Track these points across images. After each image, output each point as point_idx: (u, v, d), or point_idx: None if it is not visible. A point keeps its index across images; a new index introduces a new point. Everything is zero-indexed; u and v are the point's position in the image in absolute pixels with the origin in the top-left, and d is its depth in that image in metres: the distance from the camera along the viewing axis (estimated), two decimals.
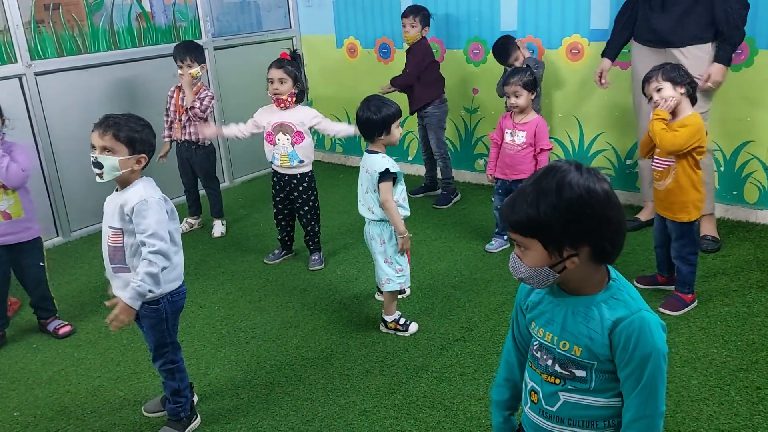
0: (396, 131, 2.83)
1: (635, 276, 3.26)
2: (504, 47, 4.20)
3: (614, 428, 1.38)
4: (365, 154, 2.88)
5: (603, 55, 3.85)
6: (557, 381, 1.40)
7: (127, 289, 2.20)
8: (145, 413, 2.54)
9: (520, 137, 3.55)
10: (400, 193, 2.84)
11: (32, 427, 2.51)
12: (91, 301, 3.46)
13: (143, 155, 2.20)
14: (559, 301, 1.39)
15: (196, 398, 2.56)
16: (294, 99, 3.50)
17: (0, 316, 3.12)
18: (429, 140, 4.52)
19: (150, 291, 2.13)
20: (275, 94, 3.47)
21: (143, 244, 2.13)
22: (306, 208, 3.64)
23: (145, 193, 2.17)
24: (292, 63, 3.50)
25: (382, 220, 2.85)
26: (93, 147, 2.17)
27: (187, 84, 3.98)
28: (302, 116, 3.51)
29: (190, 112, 4.02)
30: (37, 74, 4.08)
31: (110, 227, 2.22)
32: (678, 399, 2.41)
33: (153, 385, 2.68)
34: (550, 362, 1.40)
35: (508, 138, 3.60)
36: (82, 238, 4.38)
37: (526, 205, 1.28)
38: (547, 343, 1.40)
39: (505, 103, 4.32)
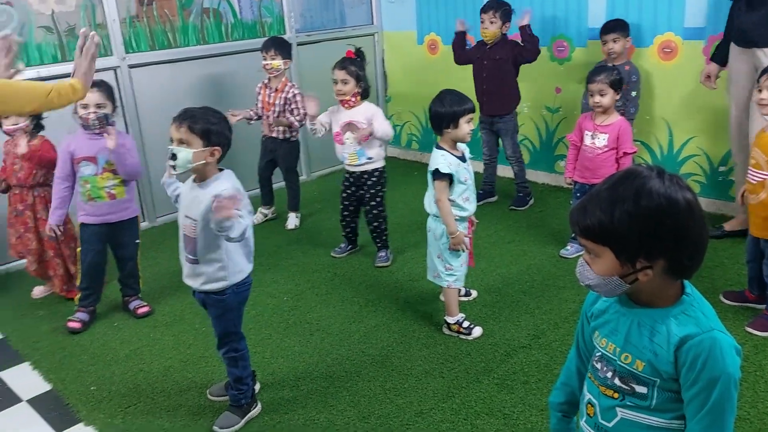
0: (465, 126, 2.79)
1: (722, 291, 3.08)
2: (624, 22, 4.01)
3: None
4: (433, 149, 2.86)
5: (712, 59, 3.67)
6: (615, 395, 1.34)
7: (195, 277, 2.30)
8: (209, 397, 2.63)
9: (602, 140, 3.42)
10: (460, 193, 2.80)
11: (106, 402, 2.65)
12: (169, 285, 3.61)
13: (217, 147, 2.25)
14: (626, 311, 1.33)
15: (258, 386, 2.62)
16: (358, 98, 3.53)
17: (95, 291, 3.30)
18: (504, 146, 4.42)
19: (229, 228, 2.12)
20: (339, 94, 3.52)
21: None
22: (373, 203, 3.65)
23: (230, 185, 2.23)
24: (355, 62, 3.52)
25: (437, 216, 2.83)
26: (171, 140, 2.26)
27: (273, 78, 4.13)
28: (368, 114, 3.52)
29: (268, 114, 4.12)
30: (130, 67, 4.30)
31: (187, 217, 2.30)
32: (760, 427, 2.26)
33: (219, 370, 2.77)
34: (609, 374, 1.34)
35: (588, 140, 3.47)
36: (166, 224, 4.57)
37: (599, 211, 1.21)
38: (608, 354, 1.34)
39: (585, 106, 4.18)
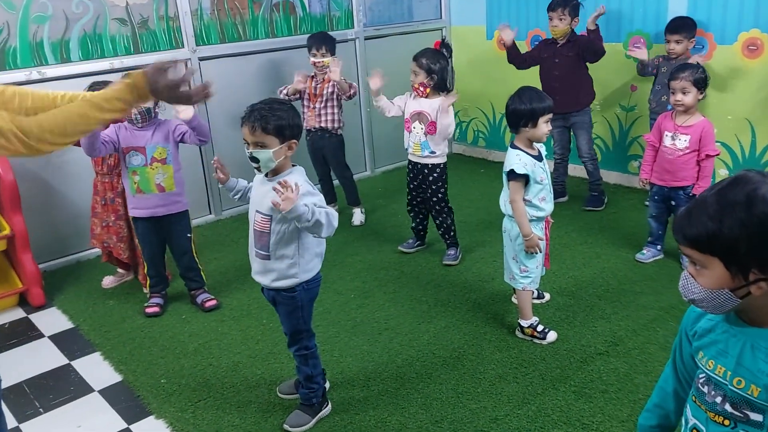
0: (544, 126, 2.70)
1: None
2: (690, 21, 3.91)
3: None
4: (509, 148, 2.77)
5: None
6: (726, 422, 1.24)
7: (265, 274, 2.29)
8: (279, 394, 2.60)
9: (683, 141, 3.25)
10: (536, 193, 2.71)
11: (176, 395, 2.65)
12: (236, 279, 3.62)
13: (293, 140, 2.22)
14: (736, 331, 1.22)
15: (327, 385, 2.58)
16: (427, 90, 3.46)
17: (161, 280, 3.36)
18: (578, 143, 4.28)
19: (305, 216, 2.08)
20: (412, 84, 3.50)
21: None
22: (435, 199, 3.59)
23: (305, 181, 2.21)
24: (431, 54, 3.44)
25: (512, 217, 2.75)
26: (246, 142, 2.21)
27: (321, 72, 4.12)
28: (436, 105, 3.45)
29: (337, 86, 4.06)
30: (200, 59, 4.33)
31: (258, 212, 2.27)
32: None
33: (288, 367, 2.74)
34: (719, 400, 1.25)
35: (668, 141, 3.30)
36: (232, 217, 4.60)
37: (706, 218, 1.13)
38: (717, 378, 1.24)
39: (652, 103, 4.00)
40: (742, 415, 1.21)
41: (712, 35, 4.03)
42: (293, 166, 2.29)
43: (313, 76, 4.19)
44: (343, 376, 2.70)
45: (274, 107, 2.21)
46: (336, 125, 4.21)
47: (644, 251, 3.54)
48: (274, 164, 2.20)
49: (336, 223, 2.19)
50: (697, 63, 3.49)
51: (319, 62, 4.09)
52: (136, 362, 2.90)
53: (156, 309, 3.29)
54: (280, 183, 2.05)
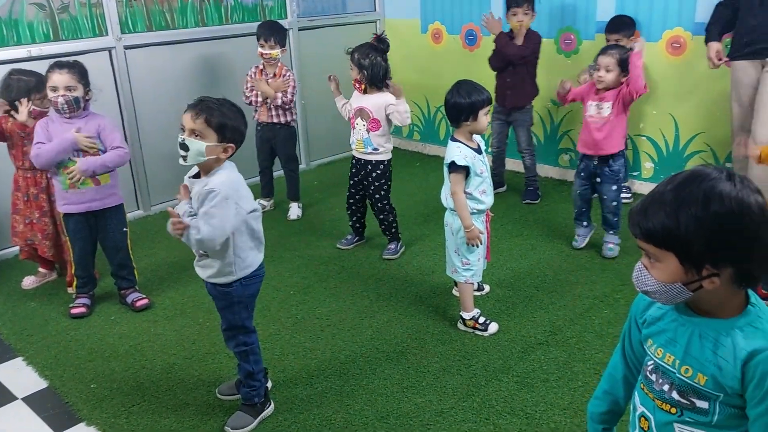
0: (483, 119, 2.72)
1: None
2: (630, 20, 4.00)
3: None
4: (449, 141, 2.77)
5: (710, 40, 3.60)
6: (673, 410, 1.26)
7: (204, 268, 2.23)
8: (219, 395, 2.51)
9: (606, 108, 3.32)
10: (477, 185, 2.72)
11: (108, 401, 2.52)
12: (168, 277, 3.47)
13: (231, 144, 2.14)
14: (685, 320, 1.24)
15: (270, 384, 2.51)
16: (362, 86, 3.43)
17: (89, 280, 3.20)
18: (518, 137, 4.34)
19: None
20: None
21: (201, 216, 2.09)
22: (377, 196, 3.56)
23: (220, 182, 2.10)
24: (363, 50, 3.40)
25: (454, 210, 2.76)
26: (182, 128, 2.12)
27: (268, 65, 4.04)
28: (381, 103, 3.42)
29: (269, 102, 4.02)
30: (126, 48, 4.13)
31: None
32: None
33: (228, 367, 2.65)
34: (666, 387, 1.27)
35: (592, 110, 3.38)
36: (162, 212, 4.42)
37: (663, 214, 1.13)
38: (665, 366, 1.26)
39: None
40: (688, 403, 1.23)
41: (638, 33, 4.16)
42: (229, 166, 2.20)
43: (262, 69, 4.08)
44: (285, 375, 2.63)
45: (225, 105, 2.15)
46: (289, 118, 4.14)
47: (576, 238, 3.63)
48: (202, 159, 2.11)
49: (213, 235, 2.07)
50: (632, 47, 3.57)
51: (267, 54, 3.98)
52: (63, 367, 2.74)
53: (82, 310, 3.13)
54: (172, 218, 2.07)
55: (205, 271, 2.24)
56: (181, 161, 2.14)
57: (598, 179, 3.44)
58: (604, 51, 3.33)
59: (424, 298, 3.18)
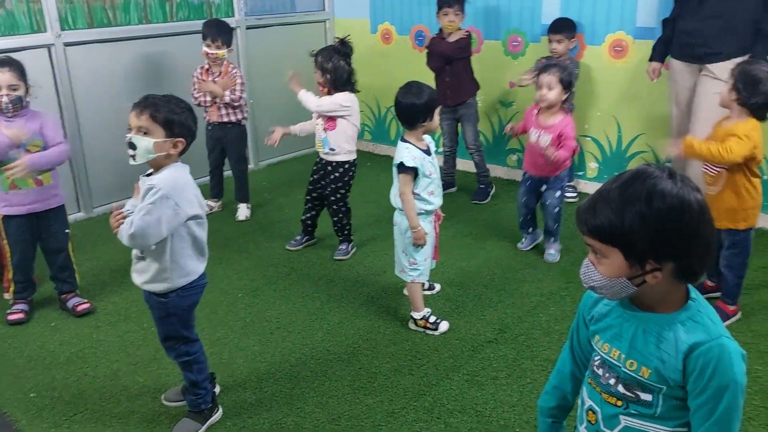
0: (437, 118, 2.75)
1: None
2: (571, 23, 4.11)
3: None
4: (399, 142, 2.77)
5: (651, 59, 3.77)
6: (619, 403, 1.30)
7: (140, 274, 2.17)
8: (164, 402, 2.45)
9: (546, 141, 3.41)
10: (425, 186, 2.73)
11: (49, 410, 2.43)
12: (111, 281, 3.38)
13: (180, 139, 2.09)
14: (629, 315, 1.28)
15: (217, 389, 2.46)
16: (325, 89, 3.42)
17: (28, 285, 3.09)
18: (465, 134, 4.39)
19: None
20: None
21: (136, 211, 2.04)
22: (333, 198, 3.54)
23: (161, 179, 2.05)
24: (325, 53, 3.39)
25: (402, 210, 2.77)
26: (129, 128, 2.06)
27: (214, 64, 3.99)
28: (333, 101, 3.40)
29: (218, 101, 3.97)
30: (66, 45, 3.99)
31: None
32: None
33: (174, 373, 2.59)
34: (612, 381, 1.30)
35: (533, 138, 3.46)
36: (105, 214, 4.29)
37: (609, 211, 1.17)
38: (611, 360, 1.30)
39: None
40: (633, 396, 1.27)
41: (582, 36, 4.26)
42: (176, 162, 2.14)
43: (208, 69, 4.02)
44: (233, 379, 2.59)
45: (172, 101, 2.10)
46: (239, 116, 4.09)
47: (523, 240, 3.69)
48: (152, 156, 2.05)
49: (146, 231, 2.02)
50: (565, 65, 3.67)
51: (212, 54, 3.92)
52: (0, 376, 2.63)
53: (20, 316, 3.01)
54: (114, 211, 2.05)
55: (140, 276, 2.17)
56: (130, 161, 2.08)
57: (544, 186, 3.51)
58: (545, 69, 3.37)
59: (376, 299, 3.17)
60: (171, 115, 2.06)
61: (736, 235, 2.77)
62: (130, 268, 2.23)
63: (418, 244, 2.77)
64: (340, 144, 3.45)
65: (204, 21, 4.07)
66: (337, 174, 3.50)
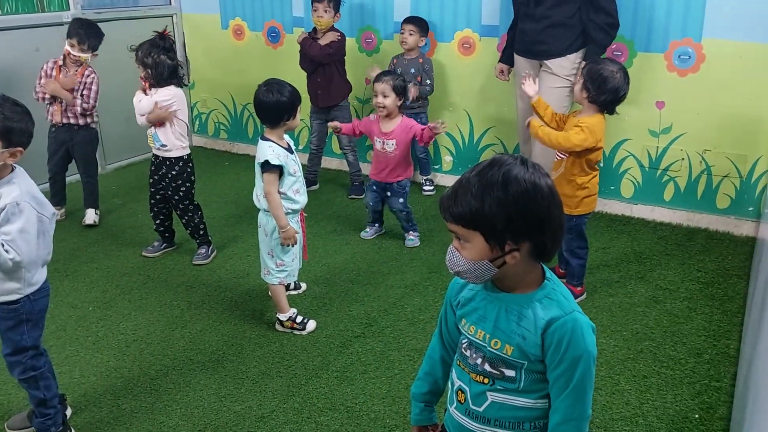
0: (298, 116, 2.74)
1: None
2: (423, 21, 4.22)
3: (540, 430, 1.36)
4: (259, 140, 2.72)
5: (500, 61, 4.01)
6: (486, 380, 1.37)
7: None
8: (9, 431, 2.23)
9: (391, 145, 3.53)
10: (290, 185, 2.71)
11: None
12: None
13: (20, 148, 1.93)
14: (492, 297, 1.36)
15: (69, 411, 2.30)
16: (146, 85, 3.26)
17: None
18: (339, 137, 4.39)
19: None
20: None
21: (2, 245, 1.89)
22: (176, 197, 3.40)
23: (19, 193, 1.91)
24: (145, 48, 3.22)
25: (267, 211, 2.73)
26: None
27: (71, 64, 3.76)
28: (159, 99, 3.26)
29: (65, 104, 3.72)
30: None
31: None
32: None
33: (18, 398, 2.37)
34: (479, 361, 1.37)
35: (378, 146, 3.58)
36: None
37: (470, 197, 1.24)
38: (477, 341, 1.37)
39: None
40: (498, 373, 1.34)
41: (432, 33, 4.41)
42: (13, 170, 1.97)
43: (61, 66, 3.73)
44: (87, 398, 2.42)
45: (6, 105, 1.92)
46: (89, 119, 3.82)
47: (367, 229, 3.82)
48: None
49: (10, 267, 1.92)
50: (400, 72, 3.77)
51: (75, 56, 3.69)
52: None
53: None
54: None
55: None
56: None
57: (388, 193, 3.64)
58: (377, 78, 3.50)
59: (240, 303, 3.09)
60: (9, 123, 1.89)
61: (570, 220, 2.98)
62: None
63: (288, 244, 2.73)
64: (171, 140, 3.31)
65: (73, 18, 3.83)
66: (174, 171, 3.35)
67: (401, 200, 3.62)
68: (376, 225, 3.82)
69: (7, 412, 2.32)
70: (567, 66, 3.57)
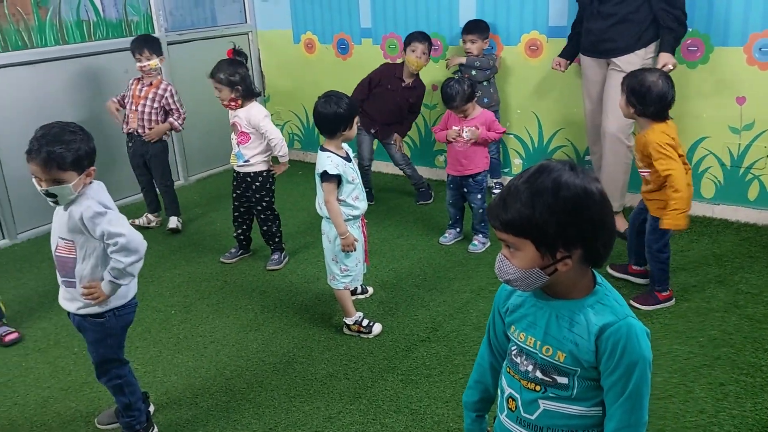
0: (355, 126, 2.82)
1: (609, 263, 3.28)
2: (483, 24, 4.26)
3: None
4: (318, 151, 2.82)
5: (560, 56, 4.00)
6: (537, 388, 1.35)
7: (72, 301, 2.14)
8: (98, 426, 2.42)
9: (468, 132, 3.52)
10: (349, 192, 2.79)
11: None
12: (39, 307, 3.30)
13: (92, 167, 2.09)
14: (542, 304, 1.34)
15: (152, 408, 2.45)
16: (238, 103, 3.41)
17: None
18: (391, 157, 4.47)
19: (117, 288, 2.11)
20: (221, 100, 3.45)
21: (108, 246, 2.05)
22: (259, 207, 3.56)
23: (92, 202, 2.05)
24: (226, 67, 3.37)
25: (329, 218, 2.81)
26: (36, 176, 2.02)
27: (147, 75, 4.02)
28: (250, 116, 3.41)
29: (143, 115, 3.98)
30: None
31: (60, 238, 2.11)
32: None
33: (106, 396, 2.55)
34: (530, 368, 1.36)
35: (454, 135, 3.57)
36: (30, 240, 4.18)
37: (520, 204, 1.23)
38: (528, 348, 1.35)
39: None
40: (550, 380, 1.33)
41: (499, 37, 4.40)
42: (90, 183, 2.13)
43: (139, 78, 4.02)
44: (168, 397, 2.58)
45: (65, 135, 2.01)
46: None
47: (446, 234, 3.82)
48: (74, 196, 2.04)
49: (136, 259, 2.08)
50: (466, 79, 3.71)
51: (145, 66, 3.93)
52: None
53: None
54: (84, 288, 2.06)
55: (73, 303, 2.14)
56: (54, 205, 2.09)
57: (465, 189, 3.65)
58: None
59: (310, 307, 3.21)
60: (77, 153, 2.01)
61: (655, 221, 2.91)
62: (57, 293, 2.20)
63: (348, 250, 2.82)
64: (254, 156, 3.47)
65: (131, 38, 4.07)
66: (257, 184, 3.51)
67: (479, 196, 3.62)
68: (456, 229, 3.81)
69: (97, 409, 2.51)
70: (636, 62, 3.48)
